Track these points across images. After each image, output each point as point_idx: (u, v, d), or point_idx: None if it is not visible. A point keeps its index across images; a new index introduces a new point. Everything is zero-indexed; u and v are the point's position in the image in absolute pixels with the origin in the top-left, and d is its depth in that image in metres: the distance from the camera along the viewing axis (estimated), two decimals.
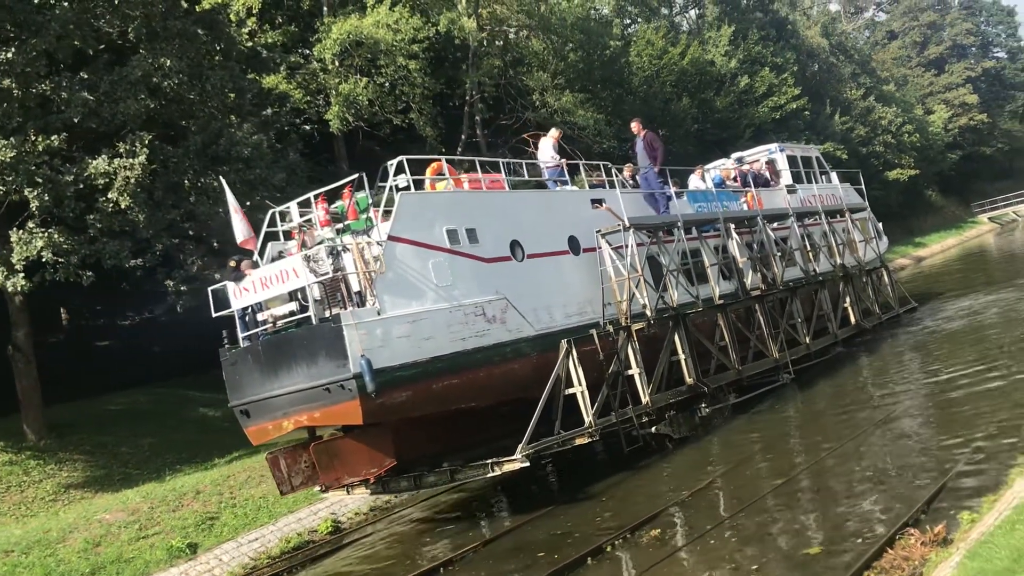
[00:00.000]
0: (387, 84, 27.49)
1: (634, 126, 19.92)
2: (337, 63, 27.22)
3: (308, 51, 28.29)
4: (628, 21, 49.54)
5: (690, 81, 43.54)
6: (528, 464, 13.77)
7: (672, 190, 19.39)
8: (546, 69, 33.29)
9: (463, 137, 31.24)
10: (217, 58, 21.46)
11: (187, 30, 19.89)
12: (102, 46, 19.81)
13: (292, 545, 14.48)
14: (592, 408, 15.06)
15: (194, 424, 21.55)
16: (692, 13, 56.67)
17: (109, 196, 17.58)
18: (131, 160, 17.70)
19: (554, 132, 19.13)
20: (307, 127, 29.21)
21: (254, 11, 26.08)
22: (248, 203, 19.76)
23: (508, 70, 32.89)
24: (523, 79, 32.71)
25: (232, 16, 24.44)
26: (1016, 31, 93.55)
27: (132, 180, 17.56)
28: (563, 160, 18.54)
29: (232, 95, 21.26)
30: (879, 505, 10.45)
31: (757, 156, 26.15)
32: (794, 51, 54.31)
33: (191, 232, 21.16)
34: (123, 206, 17.58)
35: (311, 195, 15.58)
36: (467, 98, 31.62)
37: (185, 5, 20.72)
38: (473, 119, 31.98)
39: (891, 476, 11.53)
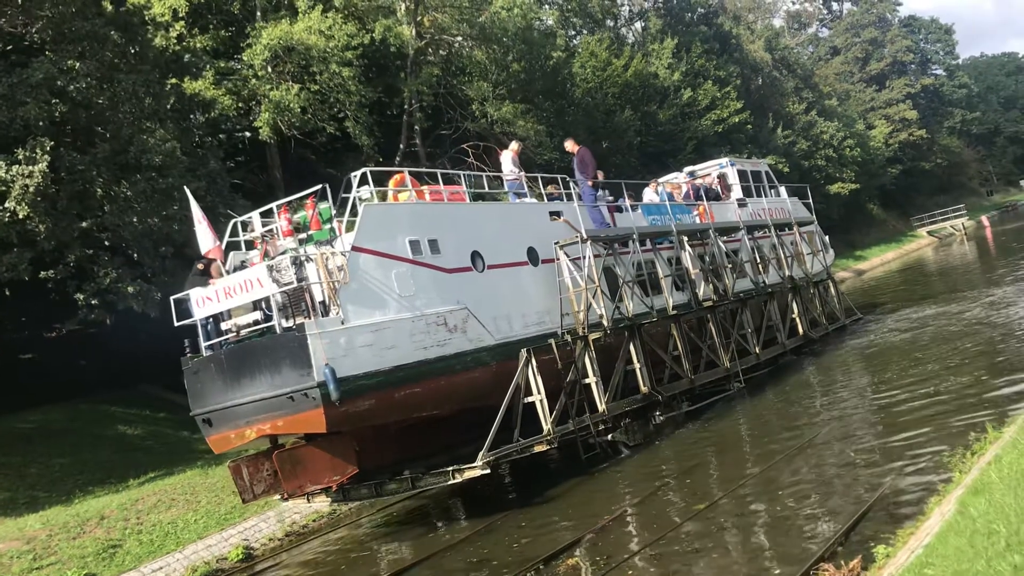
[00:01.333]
0: (320, 92, 26.89)
1: (568, 145, 20.28)
2: (270, 69, 26.53)
3: (240, 57, 27.49)
4: (573, 32, 49.45)
5: (633, 94, 43.63)
6: (488, 471, 14.06)
7: (613, 201, 19.98)
8: (487, 79, 32.84)
9: (402, 147, 30.66)
10: (131, 62, 20.30)
11: (98, 32, 18.91)
12: (9, 47, 18.93)
13: (199, 575, 13.68)
14: (551, 416, 15.40)
15: (112, 443, 20.13)
16: (638, 25, 56.84)
17: (6, 205, 16.75)
18: (30, 167, 16.80)
19: (514, 146, 19.54)
20: (238, 134, 28.66)
21: (181, 14, 25.21)
22: (164, 212, 19.26)
23: (447, 79, 32.31)
24: (463, 89, 32.32)
25: (155, 18, 23.71)
26: (954, 49, 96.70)
27: (31, 188, 16.69)
28: (523, 173, 18.93)
29: (148, 100, 20.27)
30: (798, 534, 10.06)
31: (708, 170, 26.87)
32: (737, 65, 54.85)
33: (107, 243, 20.06)
34: (20, 216, 16.71)
35: (273, 205, 15.75)
36: (405, 107, 30.91)
37: (103, 6, 19.78)
38: (412, 129, 31.31)
39: (815, 501, 11.17)
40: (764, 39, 66.58)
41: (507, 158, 19.02)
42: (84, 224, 18.56)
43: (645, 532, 11.63)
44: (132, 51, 20.39)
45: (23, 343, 25.95)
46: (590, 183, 19.34)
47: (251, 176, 27.53)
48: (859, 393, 17.55)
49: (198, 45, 25.89)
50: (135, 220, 19.04)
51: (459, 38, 32.03)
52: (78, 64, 17.98)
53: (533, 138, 31.77)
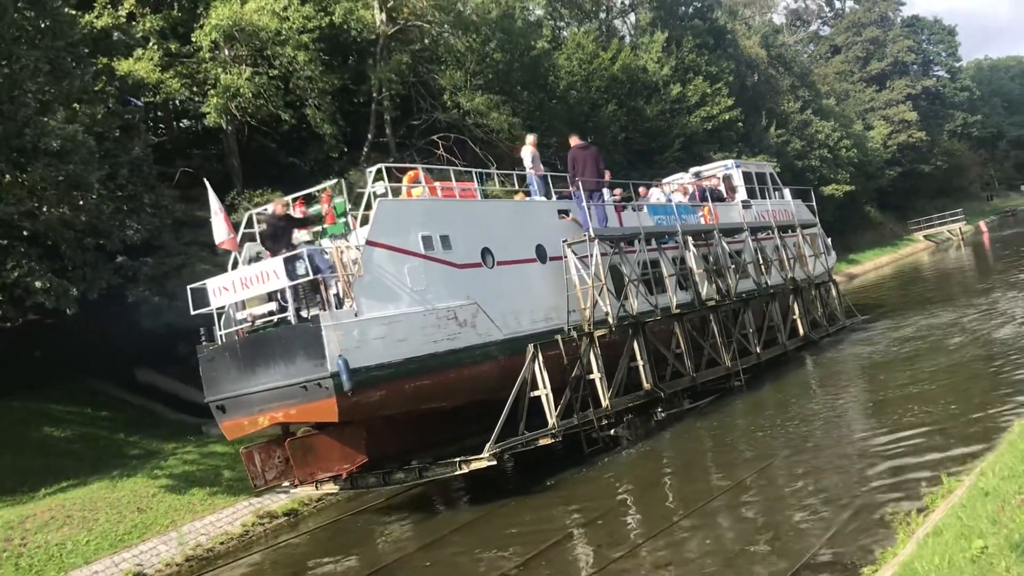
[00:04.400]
0: (280, 77, 25.02)
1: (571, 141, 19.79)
2: (227, 52, 24.50)
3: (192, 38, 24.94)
4: (562, 24, 47.50)
5: (620, 88, 41.86)
6: (495, 463, 14.43)
7: (619, 201, 20.22)
8: (462, 67, 30.94)
9: (370, 137, 28.97)
10: (35, 38, 18.04)
11: None
12: None
13: None
14: (556, 410, 15.78)
15: (36, 446, 18.30)
16: (632, 17, 54.80)
17: None
18: None
19: (530, 138, 19.54)
20: (185, 122, 27.50)
21: None
22: (81, 203, 17.97)
23: (419, 67, 30.36)
24: (435, 77, 30.38)
25: None
26: (956, 50, 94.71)
27: None
28: (538, 170, 19.18)
29: (64, 80, 18.41)
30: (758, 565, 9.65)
31: (714, 171, 27.21)
32: (732, 61, 53.18)
33: (26, 233, 18.41)
34: None
35: (288, 199, 16.07)
36: (374, 95, 28.93)
37: None
38: (381, 118, 29.40)
39: (777, 529, 10.59)
40: (761, 35, 65.00)
41: (527, 153, 19.20)
42: None
43: (643, 523, 11.99)
44: (42, 24, 18.31)
45: None
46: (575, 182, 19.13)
47: (207, 164, 26.02)
48: (835, 403, 17.25)
49: (148, 25, 23.94)
50: (47, 209, 17.54)
51: (435, 25, 29.89)
52: None
53: (507, 131, 29.70)
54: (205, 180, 16.36)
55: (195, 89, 24.99)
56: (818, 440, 14.59)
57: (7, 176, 16.85)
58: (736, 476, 13.18)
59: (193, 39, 24.12)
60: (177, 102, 25.86)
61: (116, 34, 22.32)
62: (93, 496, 15.45)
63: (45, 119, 17.35)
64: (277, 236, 14.88)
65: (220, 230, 15.27)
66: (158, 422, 21.24)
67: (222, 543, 14.89)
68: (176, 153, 26.44)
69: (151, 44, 23.83)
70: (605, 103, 40.03)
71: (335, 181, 15.38)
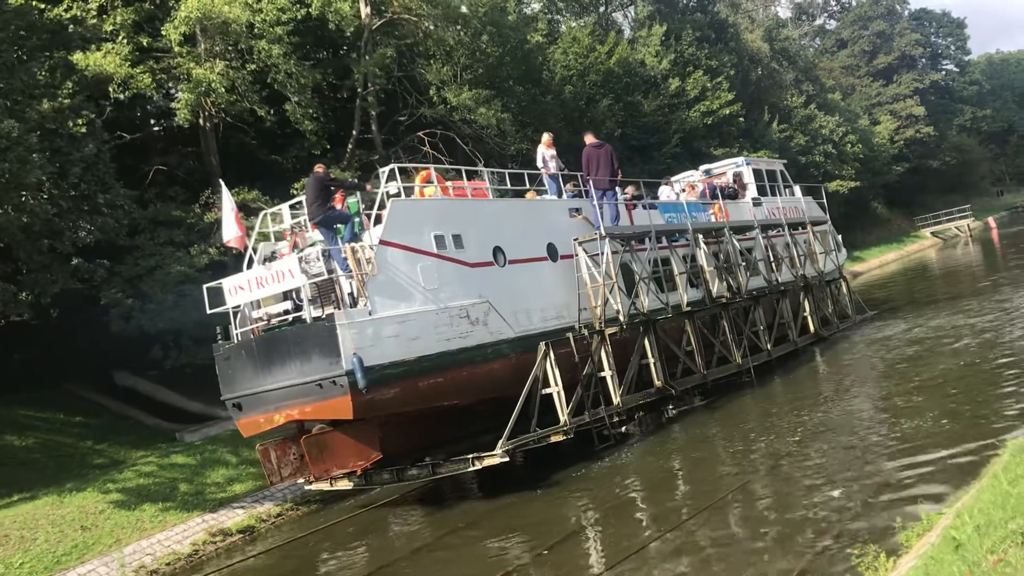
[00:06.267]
0: (258, 71, 24.24)
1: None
2: (203, 47, 23.82)
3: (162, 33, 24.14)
4: (559, 17, 46.44)
5: (616, 82, 40.60)
6: (507, 459, 14.59)
7: (630, 199, 20.30)
8: (451, 62, 30.16)
9: (355, 133, 27.84)
10: None
11: None
12: None
13: None
14: (567, 407, 15.93)
15: None
16: (632, 10, 53.82)
17: None
18: None
19: (546, 137, 19.63)
20: (162, 122, 26.72)
21: None
22: (25, 202, 17.51)
23: (403, 61, 29.43)
24: (422, 71, 29.51)
25: None
26: (965, 44, 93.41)
27: None
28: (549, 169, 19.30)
29: (6, 73, 17.71)
30: None
31: (724, 169, 27.26)
32: (734, 55, 52.19)
33: None
34: None
35: (303, 199, 16.24)
36: (359, 91, 27.87)
37: None
38: (366, 114, 28.35)
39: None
40: (764, 28, 63.78)
41: (549, 153, 19.26)
42: None
43: (653, 518, 12.07)
44: None
45: None
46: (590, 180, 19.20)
47: (185, 162, 25.65)
48: (831, 410, 16.60)
49: (119, 19, 23.17)
50: None
51: (424, 19, 28.77)
52: None
53: (495, 126, 29.02)
54: (221, 181, 16.53)
55: (171, 85, 24.25)
56: (811, 450, 13.82)
57: None
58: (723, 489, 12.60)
59: (163, 33, 23.38)
60: (152, 97, 24.85)
61: (71, 26, 21.09)
62: (36, 512, 14.64)
63: None
64: (317, 194, 14.98)
65: (230, 228, 15.43)
66: (132, 428, 20.83)
67: (168, 564, 14.06)
68: (151, 151, 25.97)
69: (120, 38, 23.05)
70: (601, 98, 39.06)
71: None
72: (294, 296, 14.58)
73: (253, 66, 24.01)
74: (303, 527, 15.60)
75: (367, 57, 27.33)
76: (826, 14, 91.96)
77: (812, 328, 25.62)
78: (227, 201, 15.79)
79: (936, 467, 11.48)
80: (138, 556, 13.98)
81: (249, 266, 15.39)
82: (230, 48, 24.05)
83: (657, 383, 18.49)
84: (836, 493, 11.32)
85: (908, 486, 11.04)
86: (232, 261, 22.89)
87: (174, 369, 22.00)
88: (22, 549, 13.57)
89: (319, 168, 15.63)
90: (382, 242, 14.58)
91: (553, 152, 19.41)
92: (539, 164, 19.38)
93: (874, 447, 13.15)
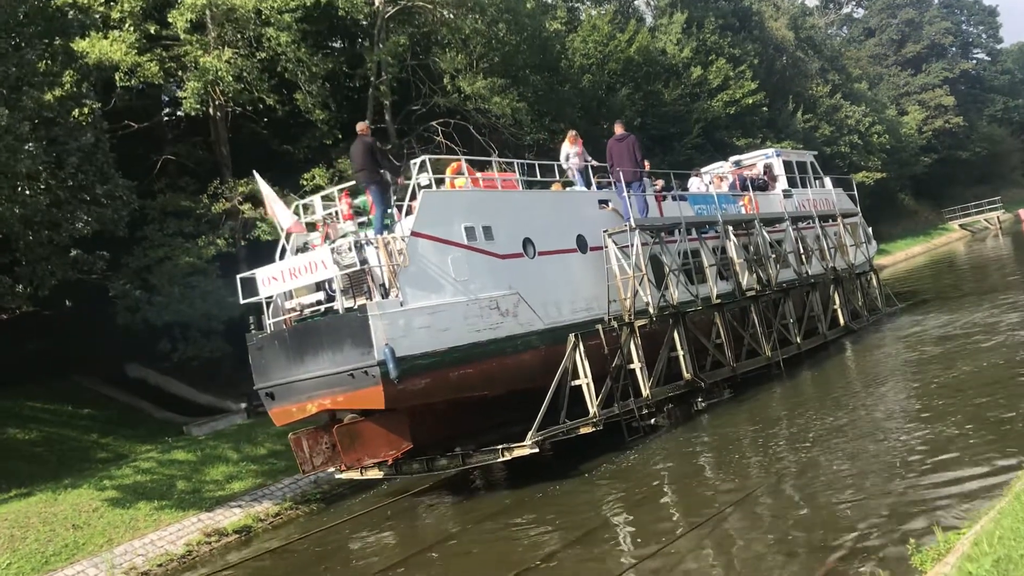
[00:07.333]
0: (268, 60, 23.86)
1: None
2: (213, 36, 23.51)
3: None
4: (579, 5, 45.56)
5: (636, 71, 40.07)
6: (537, 450, 14.66)
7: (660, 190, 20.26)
8: (467, 50, 29.66)
9: (368, 123, 27.57)
10: None
11: None
12: None
13: None
14: (596, 399, 15.97)
15: None
16: None
17: None
18: None
19: (571, 134, 19.63)
20: (166, 111, 26.71)
21: None
22: (22, 195, 17.25)
23: (417, 49, 28.97)
24: (435, 60, 29.00)
25: None
26: (997, 32, 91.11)
27: None
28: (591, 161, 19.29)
29: None
30: None
31: (755, 160, 27.08)
32: (758, 43, 51.39)
33: None
34: None
35: (335, 190, 16.37)
36: (372, 79, 27.36)
37: None
38: (379, 103, 27.87)
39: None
40: (789, 17, 62.67)
41: (574, 150, 19.25)
42: None
43: (683, 510, 12.06)
44: None
45: None
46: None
47: (195, 152, 25.50)
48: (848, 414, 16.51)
49: (126, 6, 22.72)
50: None
51: (439, 6, 28.17)
52: None
53: (511, 116, 28.65)
54: (255, 172, 16.66)
55: (180, 74, 23.94)
56: (834, 455, 13.35)
57: None
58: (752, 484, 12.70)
59: (169, 20, 23.01)
60: (161, 86, 24.70)
61: (71, 12, 20.42)
62: (29, 510, 14.35)
63: None
64: (363, 153, 15.17)
65: (284, 216, 15.62)
66: (141, 421, 20.70)
67: (160, 565, 13.70)
68: (161, 140, 25.91)
69: (127, 26, 22.71)
70: (620, 87, 38.49)
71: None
72: (326, 287, 14.69)
73: (263, 55, 23.69)
74: (301, 528, 15.38)
75: (380, 45, 27.02)
76: (853, 2, 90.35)
77: (842, 321, 25.42)
78: (267, 191, 15.93)
79: (957, 479, 11.03)
80: (129, 557, 13.74)
81: (282, 257, 15.54)
82: (239, 36, 23.73)
83: (686, 375, 18.46)
84: (851, 505, 10.88)
85: (928, 499, 10.54)
86: (244, 253, 23.05)
87: (186, 361, 21.93)
88: (11, 549, 13.26)
89: (363, 128, 15.64)
90: (413, 233, 14.66)
91: (578, 148, 19.37)
92: (563, 162, 19.35)
93: (898, 453, 12.73)
